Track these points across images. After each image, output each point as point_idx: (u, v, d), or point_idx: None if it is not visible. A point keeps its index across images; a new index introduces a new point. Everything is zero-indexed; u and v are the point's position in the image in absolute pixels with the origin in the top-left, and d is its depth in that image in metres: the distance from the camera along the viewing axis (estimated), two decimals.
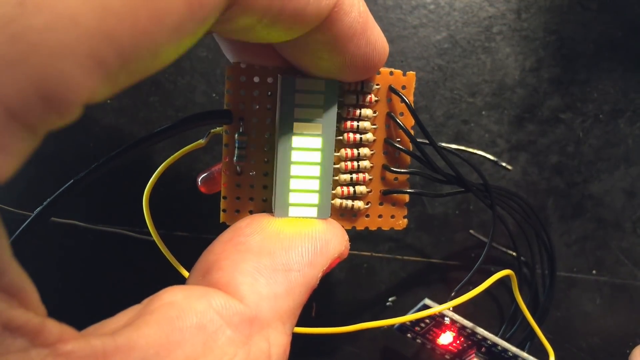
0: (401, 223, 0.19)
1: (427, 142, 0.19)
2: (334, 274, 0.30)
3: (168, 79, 0.28)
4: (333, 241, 0.16)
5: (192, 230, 0.29)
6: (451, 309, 0.25)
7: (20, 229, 0.15)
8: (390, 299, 0.30)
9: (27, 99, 0.08)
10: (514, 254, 0.29)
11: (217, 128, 0.18)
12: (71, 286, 0.29)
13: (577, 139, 0.31)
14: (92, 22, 0.08)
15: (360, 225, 0.19)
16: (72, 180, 0.15)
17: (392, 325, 0.28)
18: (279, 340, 0.13)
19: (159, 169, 0.18)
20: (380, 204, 0.19)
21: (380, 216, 0.19)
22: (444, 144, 0.28)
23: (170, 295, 0.13)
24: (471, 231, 0.30)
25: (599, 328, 0.32)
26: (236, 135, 0.17)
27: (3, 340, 0.09)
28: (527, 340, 0.29)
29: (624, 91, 0.31)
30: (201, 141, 0.17)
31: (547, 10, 0.30)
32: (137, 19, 0.09)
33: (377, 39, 0.14)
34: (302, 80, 0.16)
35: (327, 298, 0.30)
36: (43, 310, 0.10)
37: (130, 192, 0.28)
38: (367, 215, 0.19)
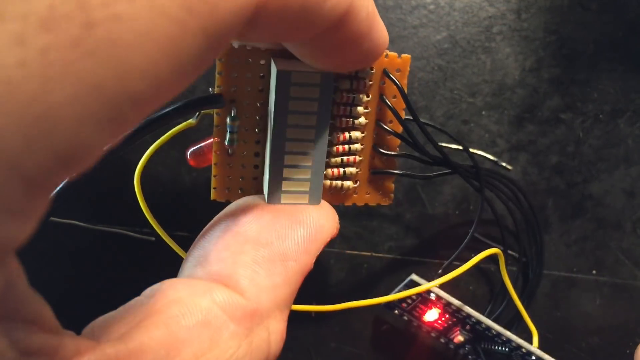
0: (387, 199, 0.19)
1: (426, 126, 0.19)
2: (334, 274, 0.30)
3: None
4: (326, 225, 0.16)
5: (192, 230, 0.29)
6: (438, 286, 0.25)
7: None
8: None
9: (48, 168, 0.08)
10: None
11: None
12: (71, 286, 0.29)
13: (577, 139, 0.31)
14: (116, 86, 0.08)
15: (348, 202, 0.19)
16: None
17: (389, 323, 0.28)
18: (277, 328, 0.14)
19: (149, 149, 0.18)
20: (369, 182, 0.19)
21: (368, 193, 0.19)
22: (444, 144, 0.28)
23: (174, 292, 0.13)
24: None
25: (599, 328, 0.32)
26: (228, 119, 0.16)
27: None
28: (515, 321, 0.29)
29: (624, 91, 0.31)
30: (191, 121, 0.17)
31: (547, 10, 0.30)
32: (160, 73, 0.09)
33: (379, 36, 0.14)
34: (297, 73, 0.16)
35: (327, 298, 0.30)
36: (58, 326, 0.10)
37: (130, 192, 0.28)
38: (356, 192, 0.19)
